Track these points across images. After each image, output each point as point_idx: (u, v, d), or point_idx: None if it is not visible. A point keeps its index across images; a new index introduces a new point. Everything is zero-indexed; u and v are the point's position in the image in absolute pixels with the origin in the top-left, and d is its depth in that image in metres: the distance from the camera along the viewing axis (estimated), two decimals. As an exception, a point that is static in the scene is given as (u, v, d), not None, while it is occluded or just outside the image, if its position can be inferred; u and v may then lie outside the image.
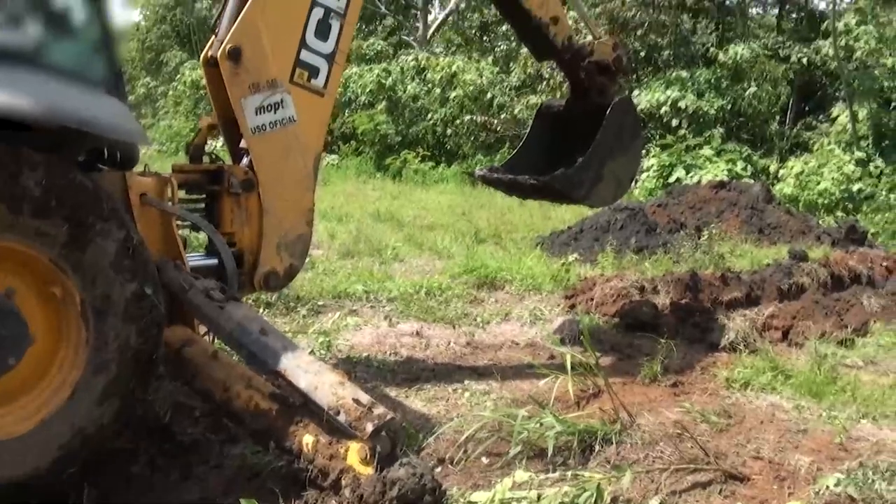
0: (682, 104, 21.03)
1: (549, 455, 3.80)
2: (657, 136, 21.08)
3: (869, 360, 6.32)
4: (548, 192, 6.16)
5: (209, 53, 4.54)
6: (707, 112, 21.14)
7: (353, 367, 5.30)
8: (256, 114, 4.40)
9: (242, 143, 4.60)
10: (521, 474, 3.48)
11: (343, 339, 6.03)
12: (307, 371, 3.39)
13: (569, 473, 3.52)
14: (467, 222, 12.58)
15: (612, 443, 3.96)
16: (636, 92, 21.38)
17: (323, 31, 4.59)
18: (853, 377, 5.62)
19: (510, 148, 23.42)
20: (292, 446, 3.29)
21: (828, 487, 3.53)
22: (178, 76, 34.07)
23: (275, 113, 4.45)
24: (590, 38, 6.13)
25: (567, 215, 15.12)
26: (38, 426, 3.24)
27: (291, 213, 4.63)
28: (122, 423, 3.48)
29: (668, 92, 21.24)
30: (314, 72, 4.60)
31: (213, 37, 4.60)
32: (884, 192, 17.54)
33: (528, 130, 6.55)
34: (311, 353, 5.40)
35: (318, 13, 4.55)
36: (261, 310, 6.52)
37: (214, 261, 4.36)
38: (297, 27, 4.52)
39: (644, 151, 20.90)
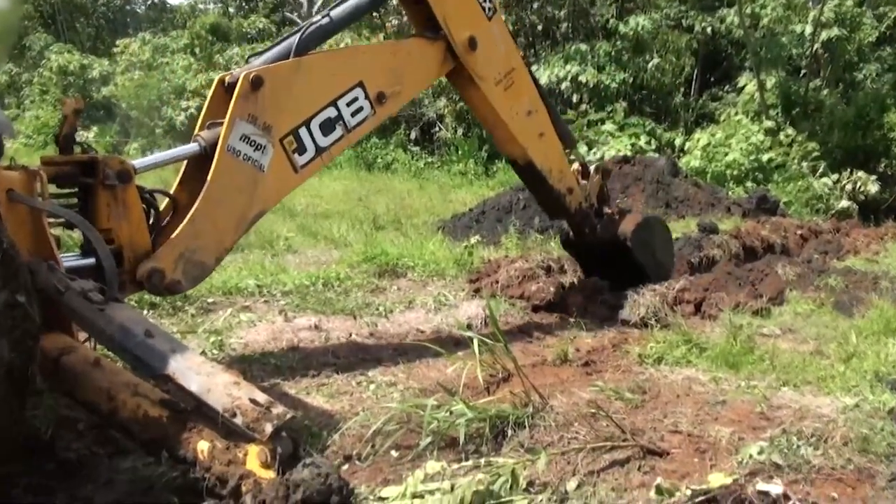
0: (582, 78, 21.38)
1: (460, 444, 3.82)
2: (557, 112, 21.40)
3: (786, 328, 6.52)
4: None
5: (227, 79, 5.00)
6: (608, 86, 21.54)
7: (249, 366, 5.20)
8: (240, 139, 4.76)
9: (200, 132, 4.90)
10: (432, 465, 3.49)
11: (236, 338, 5.91)
12: (198, 373, 3.30)
13: (482, 461, 3.54)
14: (364, 208, 12.54)
15: (524, 426, 4.00)
16: (535, 67, 21.61)
17: (326, 128, 5.19)
18: (771, 346, 5.78)
19: (406, 128, 23.45)
20: (187, 454, 3.20)
21: (751, 456, 3.61)
22: (44, 61, 32.78)
23: (254, 150, 4.82)
24: (584, 182, 7.09)
25: (468, 198, 15.25)
26: None
27: (209, 239, 4.72)
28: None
29: (568, 66, 21.55)
30: (301, 149, 5.08)
31: (242, 67, 5.19)
32: (795, 161, 18.18)
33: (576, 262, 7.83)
34: (203, 353, 5.29)
35: (330, 112, 5.19)
36: (145, 311, 6.35)
37: (92, 260, 4.21)
38: (310, 108, 5.10)
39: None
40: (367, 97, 5.33)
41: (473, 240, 9.41)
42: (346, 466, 3.81)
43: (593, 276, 7.53)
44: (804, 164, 18.36)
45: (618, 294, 7.02)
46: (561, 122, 6.93)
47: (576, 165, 7.12)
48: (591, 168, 7.21)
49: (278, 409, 3.13)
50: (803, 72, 22.67)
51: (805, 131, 19.74)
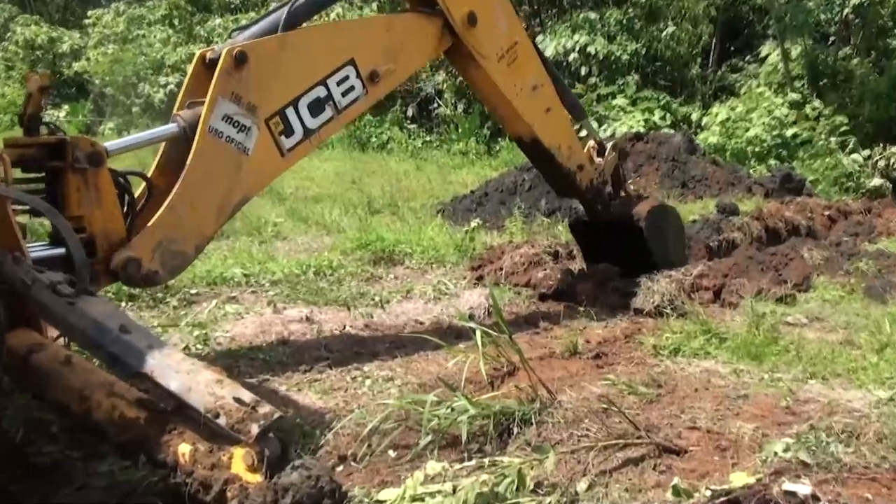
0: (591, 49, 21.23)
1: (463, 442, 3.82)
2: (565, 86, 21.27)
3: (813, 316, 6.48)
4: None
5: (209, 55, 5.03)
6: (620, 57, 21.37)
7: (236, 362, 5.22)
8: (222, 119, 4.74)
9: (179, 111, 4.90)
10: (433, 465, 3.48)
11: (222, 331, 5.92)
12: (178, 370, 3.28)
13: (486, 460, 3.52)
14: (358, 191, 12.54)
15: (531, 424, 4.01)
16: (540, 38, 21.50)
17: (315, 109, 5.18)
18: (796, 336, 5.77)
19: (402, 105, 23.38)
20: (167, 458, 3.19)
21: (776, 454, 3.59)
22: (9, 34, 32.65)
23: (237, 132, 4.81)
24: (599, 160, 7.18)
25: (469, 179, 15.23)
26: None
27: (189, 226, 4.71)
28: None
29: (576, 37, 21.40)
30: (288, 131, 5.09)
31: (225, 41, 5.21)
32: (823, 136, 17.99)
33: (579, 248, 7.90)
34: (186, 348, 5.31)
35: (320, 91, 5.18)
36: (123, 303, 6.34)
37: (61, 250, 4.19)
38: (297, 87, 5.09)
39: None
40: (358, 76, 5.34)
41: (475, 224, 9.41)
42: (340, 468, 3.81)
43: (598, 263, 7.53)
44: (832, 139, 18.18)
45: (630, 281, 6.99)
46: (569, 93, 6.93)
47: (591, 143, 7.12)
48: (608, 146, 7.20)
49: (265, 409, 3.10)
50: (832, 39, 22.46)
51: (833, 104, 19.52)
